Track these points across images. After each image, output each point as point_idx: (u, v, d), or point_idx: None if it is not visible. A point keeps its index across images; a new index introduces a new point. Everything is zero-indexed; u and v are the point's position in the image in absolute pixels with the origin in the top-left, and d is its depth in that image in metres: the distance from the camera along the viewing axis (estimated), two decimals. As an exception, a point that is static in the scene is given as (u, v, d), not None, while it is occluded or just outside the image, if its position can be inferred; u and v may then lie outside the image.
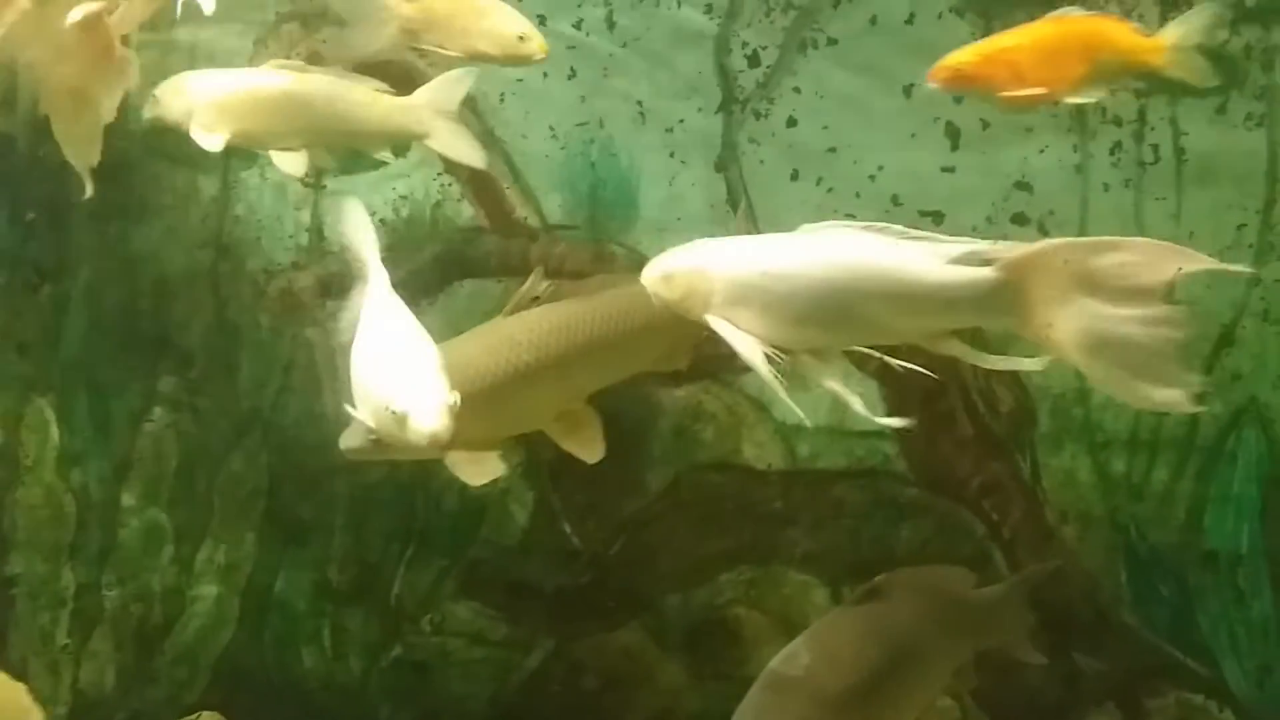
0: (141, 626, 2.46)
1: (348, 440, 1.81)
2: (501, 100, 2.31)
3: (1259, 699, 2.24)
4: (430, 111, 2.00)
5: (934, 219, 2.27)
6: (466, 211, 2.36)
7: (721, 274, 1.60)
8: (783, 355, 1.57)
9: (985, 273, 1.51)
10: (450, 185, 2.35)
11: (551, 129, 2.31)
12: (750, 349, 1.57)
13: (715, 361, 2.34)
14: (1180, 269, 1.48)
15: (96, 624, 2.46)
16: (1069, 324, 1.44)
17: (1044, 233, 2.26)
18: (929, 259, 1.54)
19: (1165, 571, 2.28)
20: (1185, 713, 2.25)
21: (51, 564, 2.46)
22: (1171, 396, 1.45)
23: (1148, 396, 1.46)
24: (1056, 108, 2.23)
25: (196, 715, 2.28)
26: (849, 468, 2.32)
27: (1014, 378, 2.29)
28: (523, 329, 1.93)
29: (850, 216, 2.25)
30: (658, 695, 2.33)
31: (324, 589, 2.42)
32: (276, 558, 2.43)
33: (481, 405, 1.79)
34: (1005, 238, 2.25)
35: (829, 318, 1.57)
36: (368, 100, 1.98)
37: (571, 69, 2.29)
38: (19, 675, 2.46)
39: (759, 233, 2.28)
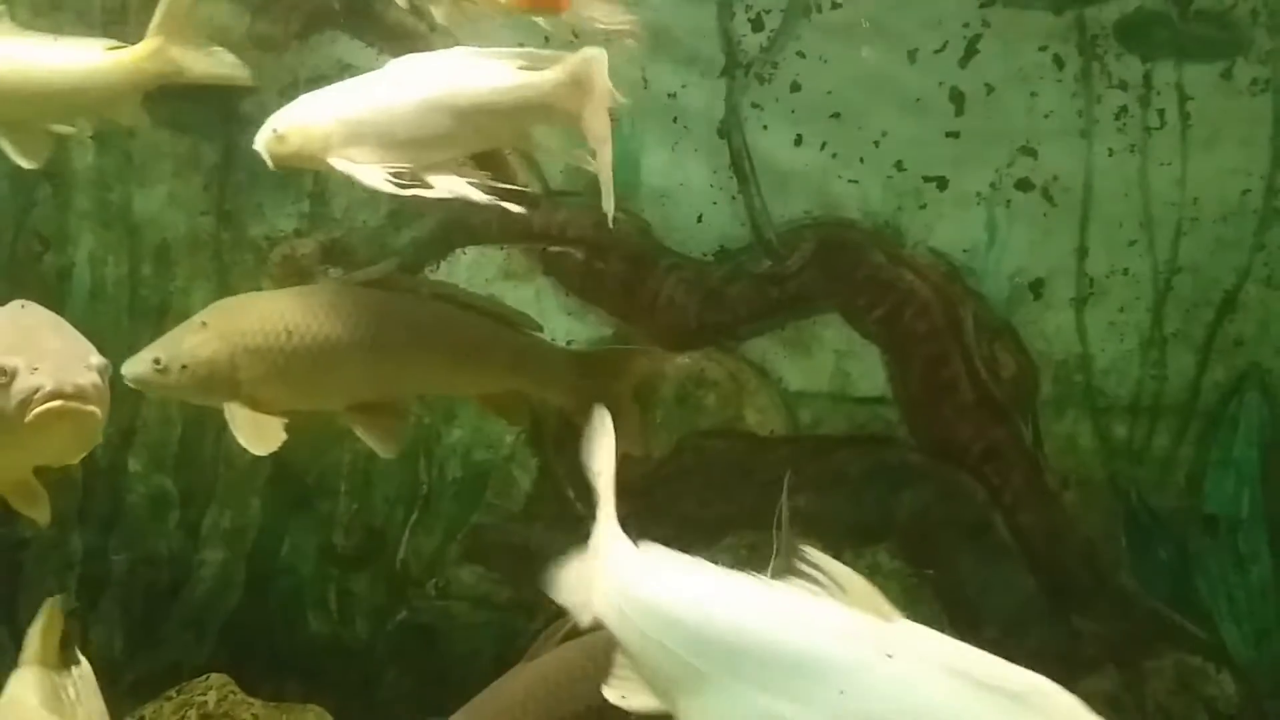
0: (149, 590, 2.48)
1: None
2: (503, 65, 2.30)
3: (1256, 661, 2.26)
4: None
5: (938, 184, 2.26)
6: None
7: (330, 120, 1.80)
8: (403, 176, 1.77)
9: (548, 74, 1.78)
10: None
11: (554, 94, 2.30)
12: (373, 176, 1.76)
13: (718, 329, 2.34)
14: None
15: (104, 588, 2.48)
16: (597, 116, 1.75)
17: (1049, 198, 2.25)
18: (502, 71, 1.79)
19: (1165, 536, 2.29)
20: (1183, 674, 2.27)
21: (59, 528, 2.47)
22: None
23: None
24: (1062, 71, 2.22)
25: (205, 678, 2.30)
26: (851, 434, 2.32)
27: (1017, 345, 2.29)
28: (336, 302, 1.94)
29: (854, 182, 2.28)
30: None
31: (330, 554, 2.44)
32: (282, 523, 2.44)
33: (271, 361, 1.86)
34: (1009, 203, 2.27)
35: (431, 134, 1.78)
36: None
37: (574, 32, 2.27)
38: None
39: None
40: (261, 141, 1.82)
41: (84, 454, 1.68)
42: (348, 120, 1.80)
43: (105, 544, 2.48)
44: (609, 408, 2.01)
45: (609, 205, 1.75)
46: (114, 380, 2.46)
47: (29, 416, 1.51)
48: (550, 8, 1.84)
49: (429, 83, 1.80)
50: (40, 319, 1.68)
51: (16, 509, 1.79)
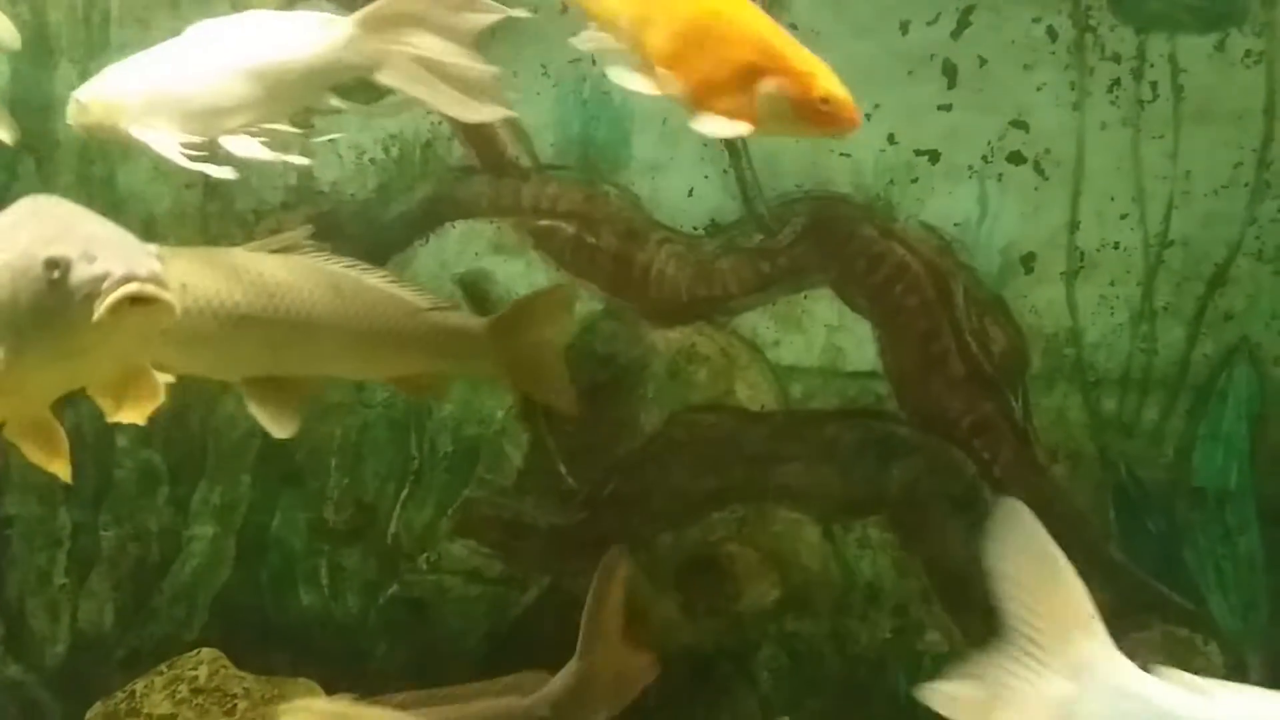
0: (139, 566, 2.47)
1: None
2: (492, 36, 2.28)
3: (1243, 633, 2.28)
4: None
5: (930, 157, 2.25)
6: (457, 151, 2.33)
7: (129, 90, 1.77)
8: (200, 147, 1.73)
9: (343, 26, 1.75)
10: (441, 124, 2.32)
11: (543, 66, 2.28)
12: (167, 146, 1.72)
13: (709, 304, 2.34)
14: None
15: (94, 564, 2.47)
16: (401, 60, 1.73)
17: (1040, 172, 2.24)
18: (296, 32, 1.76)
19: (1154, 508, 2.30)
20: (1171, 646, 2.29)
21: (47, 505, 2.47)
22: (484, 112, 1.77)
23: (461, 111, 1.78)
24: (1055, 43, 2.20)
25: (195, 653, 2.30)
26: (842, 408, 2.33)
27: (1008, 318, 2.29)
28: (238, 266, 1.88)
29: (846, 156, 2.27)
30: (652, 629, 2.36)
31: (320, 528, 2.44)
32: (272, 498, 2.44)
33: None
34: (1001, 176, 2.26)
35: (229, 100, 1.76)
36: None
37: (563, 4, 2.25)
38: (17, 614, 2.49)
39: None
40: (69, 113, 1.81)
41: (139, 359, 1.48)
42: (145, 89, 1.77)
43: (94, 520, 2.47)
44: (536, 366, 2.01)
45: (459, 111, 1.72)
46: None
47: (99, 310, 1.27)
48: None
49: (224, 47, 1.78)
50: (70, 207, 1.47)
51: (33, 459, 1.56)
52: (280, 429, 1.91)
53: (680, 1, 1.67)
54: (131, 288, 1.28)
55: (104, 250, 1.31)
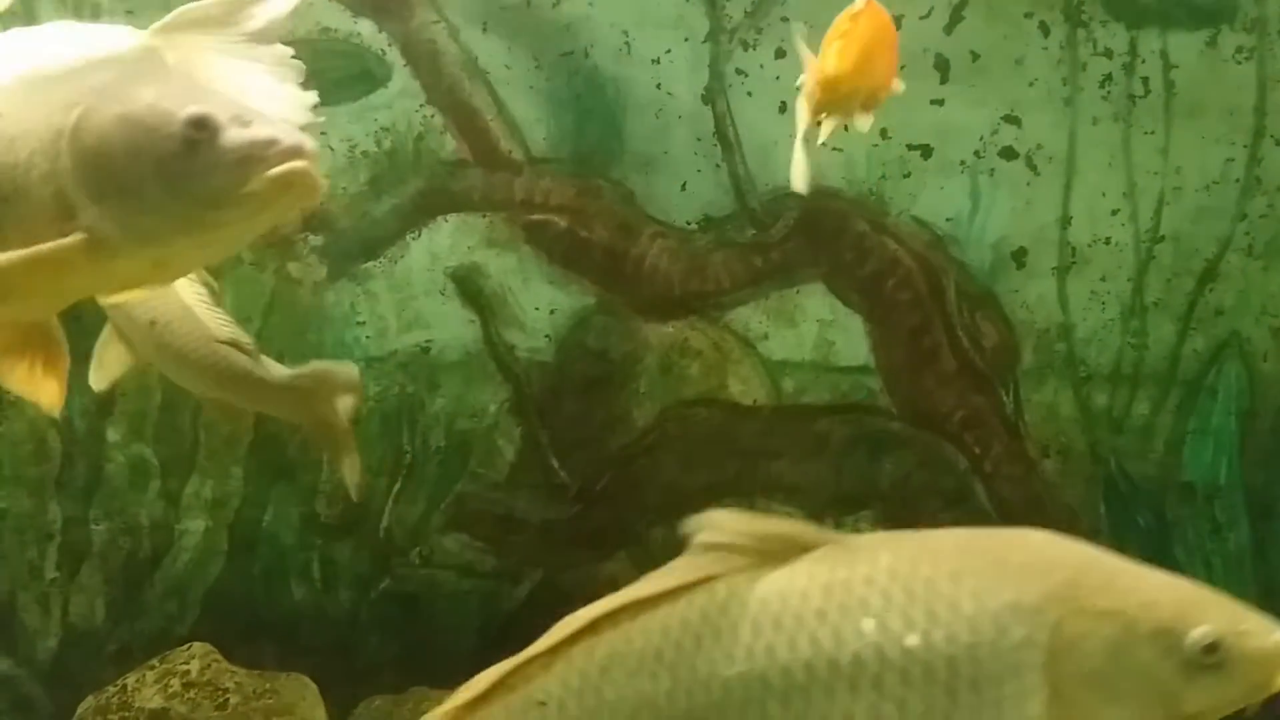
0: (130, 560, 2.47)
1: None
2: (485, 29, 2.27)
3: (1231, 627, 2.29)
4: None
5: (922, 152, 2.25)
6: (450, 144, 2.33)
7: None
8: None
9: (140, 38, 1.49)
10: (433, 117, 2.32)
11: (536, 60, 2.28)
12: None
13: (701, 298, 2.34)
14: None
15: (85, 558, 2.47)
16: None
17: (1032, 167, 2.25)
18: (92, 44, 1.45)
19: (1144, 504, 2.32)
20: (1160, 640, 2.30)
21: (37, 498, 2.46)
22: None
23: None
24: (1047, 39, 2.21)
25: (187, 647, 2.29)
26: (834, 403, 2.33)
27: (999, 314, 2.30)
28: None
29: (838, 150, 2.27)
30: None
31: (312, 523, 2.43)
32: (264, 492, 2.44)
33: None
34: (993, 172, 2.27)
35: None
36: None
37: (556, -2, 2.25)
38: (7, 609, 2.48)
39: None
40: None
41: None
42: None
43: (85, 513, 2.46)
44: (327, 433, 1.98)
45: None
46: (91, 349, 2.45)
47: (254, 182, 1.11)
48: None
49: (13, 57, 1.67)
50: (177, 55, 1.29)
51: (18, 385, 1.34)
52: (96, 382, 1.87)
53: None
54: (299, 164, 1.12)
55: (257, 116, 1.15)
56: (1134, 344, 2.28)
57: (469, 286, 2.33)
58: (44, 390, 1.34)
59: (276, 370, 2.01)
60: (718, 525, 1.22)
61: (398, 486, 2.41)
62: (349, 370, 2.02)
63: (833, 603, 1.13)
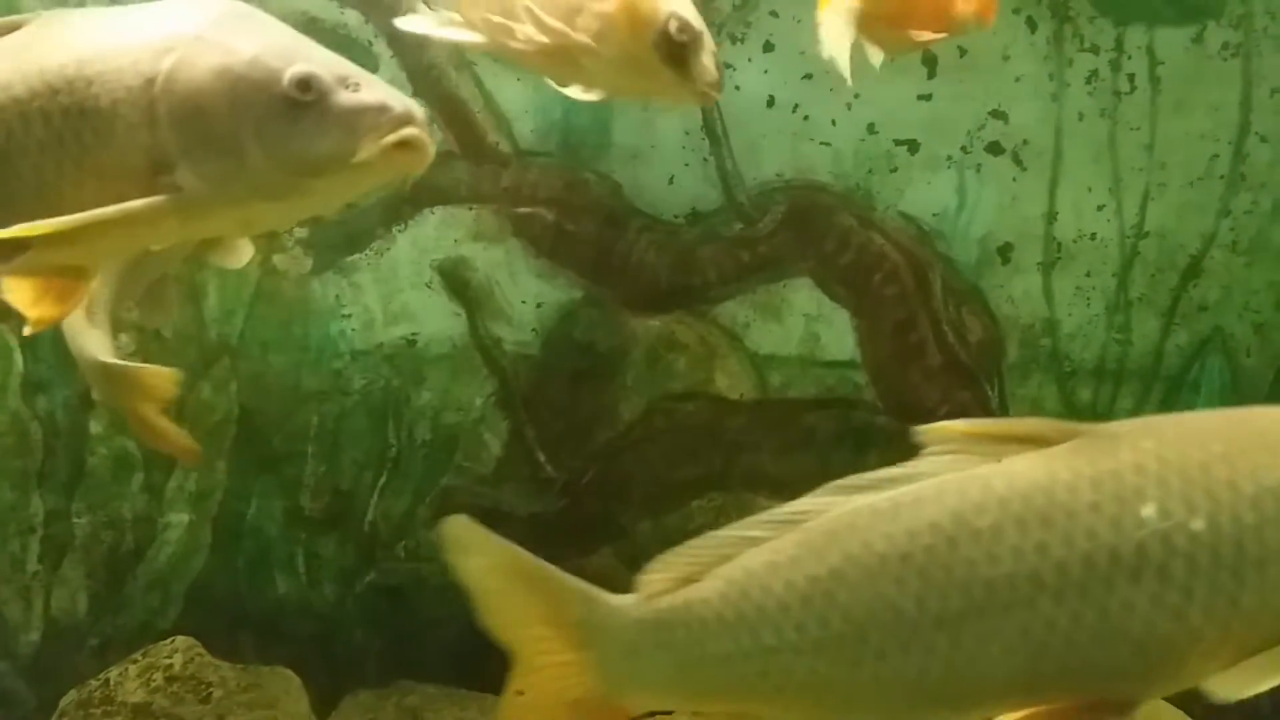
0: (113, 553, 2.45)
1: None
2: (472, 21, 2.26)
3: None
4: None
5: (909, 147, 2.26)
6: (436, 136, 2.31)
7: None
8: None
9: None
10: (420, 109, 2.31)
11: (523, 52, 2.27)
12: None
13: (689, 292, 2.34)
14: None
15: (67, 551, 2.45)
16: None
17: (1019, 162, 2.25)
18: None
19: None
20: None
21: (20, 491, 2.44)
22: None
23: None
24: (1034, 35, 2.21)
25: (170, 641, 2.28)
26: (820, 397, 2.33)
27: (985, 309, 2.31)
28: None
29: (826, 145, 2.27)
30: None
31: (297, 516, 2.42)
32: (248, 485, 2.42)
33: None
34: (980, 167, 2.27)
35: None
36: None
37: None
38: (-10, 602, 2.46)
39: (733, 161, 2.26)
40: None
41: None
42: None
43: (67, 506, 2.45)
44: (139, 426, 1.95)
45: None
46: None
47: (364, 151, 1.08)
48: None
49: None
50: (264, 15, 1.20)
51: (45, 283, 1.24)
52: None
53: None
54: (411, 132, 1.10)
55: (363, 79, 1.12)
56: (1118, 339, 2.29)
57: (455, 279, 2.33)
58: (40, 308, 1.24)
59: (99, 349, 1.96)
60: (950, 431, 1.20)
61: (383, 480, 2.40)
62: (163, 379, 1.98)
63: (1105, 493, 1.10)
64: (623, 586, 1.43)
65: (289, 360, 2.35)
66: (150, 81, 1.11)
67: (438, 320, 2.33)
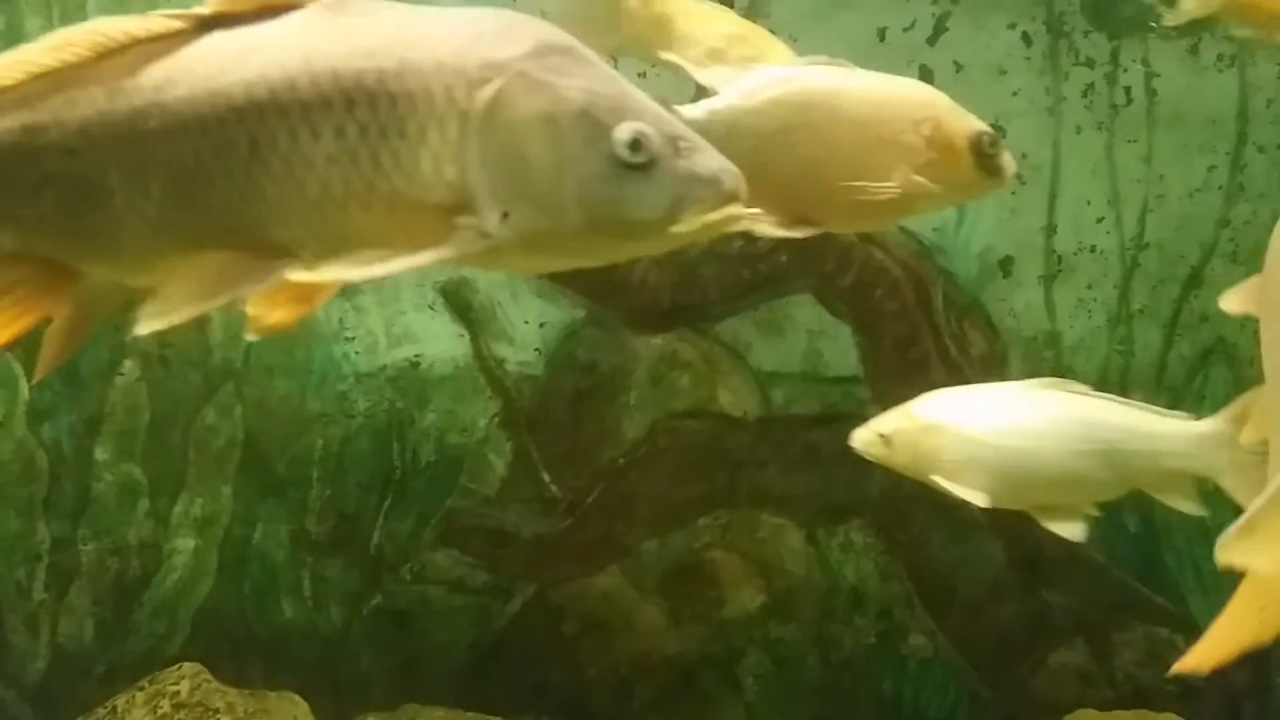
0: (119, 580, 2.45)
1: None
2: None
3: (1222, 632, 2.29)
4: None
5: (908, 163, 2.26)
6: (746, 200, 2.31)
7: None
8: None
9: None
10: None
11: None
12: None
13: (691, 310, 2.34)
14: None
15: (73, 578, 2.45)
16: None
17: (1017, 176, 2.26)
18: None
19: (1132, 509, 2.32)
20: (1152, 647, 2.30)
21: (25, 518, 2.44)
22: None
23: None
24: (1030, 49, 2.22)
25: (177, 667, 2.28)
26: (823, 413, 2.33)
27: (986, 322, 2.31)
28: None
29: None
30: (636, 638, 2.36)
31: (302, 540, 2.42)
32: (254, 510, 2.42)
33: None
34: (978, 181, 2.27)
35: None
36: None
37: (541, 11, 2.25)
38: (-4, 630, 2.46)
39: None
40: None
41: None
42: None
43: (73, 533, 2.45)
44: None
45: None
46: (79, 368, 2.45)
47: (685, 222, 0.99)
48: None
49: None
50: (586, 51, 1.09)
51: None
52: None
53: None
54: (736, 210, 1.02)
55: (690, 143, 1.03)
56: (1121, 351, 2.29)
57: (458, 300, 2.33)
58: (277, 314, 1.17)
59: None
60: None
61: (388, 502, 2.40)
62: None
63: None
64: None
65: (293, 384, 2.36)
66: (465, 115, 1.01)
67: (441, 342, 2.33)
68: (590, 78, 1.04)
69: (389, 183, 1.03)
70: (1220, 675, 2.28)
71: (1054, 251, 2.28)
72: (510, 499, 2.38)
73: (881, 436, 1.70)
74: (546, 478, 2.37)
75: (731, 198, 1.02)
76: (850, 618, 2.36)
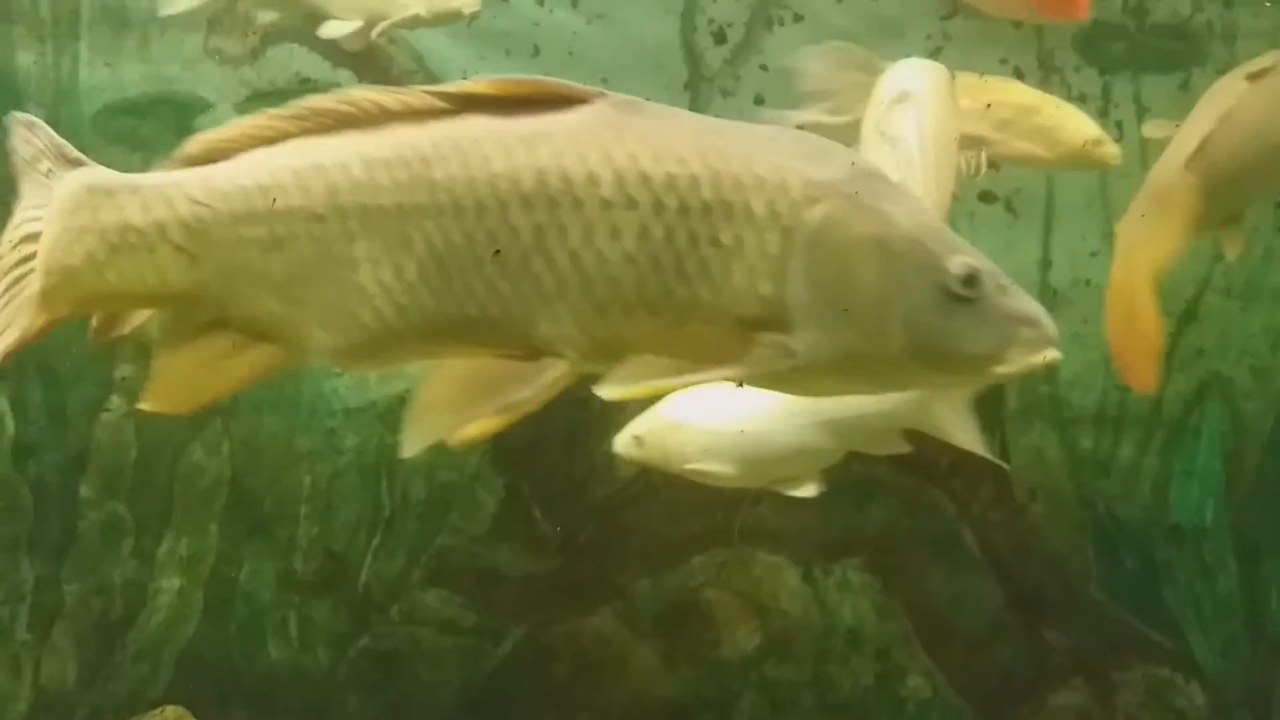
0: (103, 620, 2.41)
1: None
2: (464, 77, 2.27)
3: (1224, 670, 2.27)
4: None
5: (901, 198, 2.26)
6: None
7: None
8: None
9: None
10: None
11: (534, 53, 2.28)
12: None
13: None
14: None
15: (56, 618, 2.41)
16: None
17: (1011, 210, 2.26)
18: None
19: (1132, 546, 2.30)
20: (1153, 685, 2.27)
21: (9, 557, 2.41)
22: None
23: None
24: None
25: (160, 710, 2.24)
26: (819, 448, 2.31)
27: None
28: None
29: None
30: (631, 680, 2.32)
31: (289, 580, 2.39)
32: (240, 549, 2.39)
33: None
34: (973, 215, 2.27)
35: None
36: None
37: (535, 47, 2.26)
38: (-24, 673, 2.42)
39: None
40: None
41: None
42: None
43: (57, 573, 2.41)
44: None
45: None
46: (64, 404, 2.42)
47: (1007, 363, 0.99)
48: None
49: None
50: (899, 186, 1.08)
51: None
52: None
53: None
54: (1053, 355, 1.01)
55: (1006, 281, 1.02)
56: (1117, 386, 2.28)
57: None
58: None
59: None
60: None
61: (376, 541, 2.37)
62: None
63: None
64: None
65: (281, 420, 2.34)
66: (789, 232, 0.99)
67: (431, 377, 2.31)
68: (914, 209, 1.04)
69: (690, 290, 0.99)
70: (1223, 714, 2.25)
71: (1049, 285, 2.27)
72: (501, 537, 2.35)
73: (635, 438, 1.83)
74: (538, 515, 2.34)
75: (1050, 341, 1.01)
76: (848, 658, 2.33)
